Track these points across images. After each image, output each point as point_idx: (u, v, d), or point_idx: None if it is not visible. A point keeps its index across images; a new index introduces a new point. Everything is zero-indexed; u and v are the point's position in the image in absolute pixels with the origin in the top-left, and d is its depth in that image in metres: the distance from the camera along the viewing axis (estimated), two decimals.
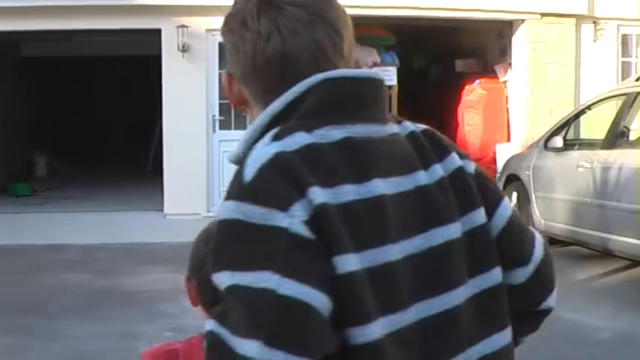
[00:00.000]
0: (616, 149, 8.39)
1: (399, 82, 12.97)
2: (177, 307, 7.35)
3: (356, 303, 1.37)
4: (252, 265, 1.34)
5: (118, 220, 12.06)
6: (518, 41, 12.93)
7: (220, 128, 12.47)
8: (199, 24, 12.24)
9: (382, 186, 1.46)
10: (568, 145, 9.38)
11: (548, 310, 1.72)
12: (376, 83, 1.55)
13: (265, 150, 1.42)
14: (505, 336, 1.60)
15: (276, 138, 1.44)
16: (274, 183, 1.38)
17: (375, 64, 12.70)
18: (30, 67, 17.70)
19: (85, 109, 20.73)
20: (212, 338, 1.36)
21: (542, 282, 1.70)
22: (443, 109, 14.43)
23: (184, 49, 12.17)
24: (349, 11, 1.62)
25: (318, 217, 1.36)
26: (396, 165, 1.51)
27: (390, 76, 12.74)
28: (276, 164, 1.40)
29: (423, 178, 1.53)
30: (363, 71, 1.57)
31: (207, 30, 12.29)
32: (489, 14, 12.63)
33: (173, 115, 12.31)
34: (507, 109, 13.45)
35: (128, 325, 6.81)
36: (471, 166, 1.65)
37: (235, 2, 1.59)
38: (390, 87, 12.75)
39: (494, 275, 1.59)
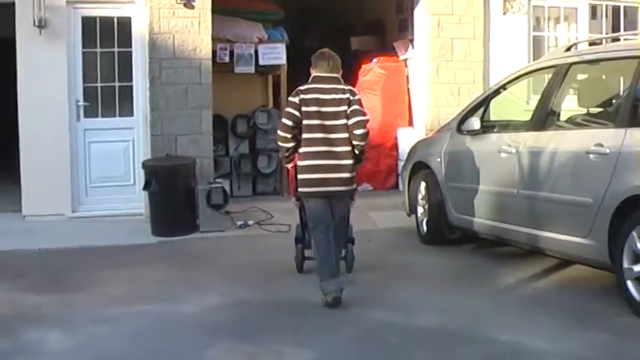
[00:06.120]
0: (547, 130, 7.23)
1: (288, 60, 12.19)
2: (12, 341, 5.85)
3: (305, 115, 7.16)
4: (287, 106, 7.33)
5: None
6: (420, 15, 12.14)
7: (85, 116, 10.99)
8: None
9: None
10: (486, 128, 8.25)
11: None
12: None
13: None
14: None
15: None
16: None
17: (260, 41, 11.84)
18: None
19: None
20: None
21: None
22: None
23: (42, 24, 10.62)
24: None
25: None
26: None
27: (278, 53, 12.07)
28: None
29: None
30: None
31: (68, 2, 10.84)
32: None
33: (30, 101, 10.69)
34: (409, 89, 12.86)
35: None
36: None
37: None
38: (278, 66, 12.18)
39: None
